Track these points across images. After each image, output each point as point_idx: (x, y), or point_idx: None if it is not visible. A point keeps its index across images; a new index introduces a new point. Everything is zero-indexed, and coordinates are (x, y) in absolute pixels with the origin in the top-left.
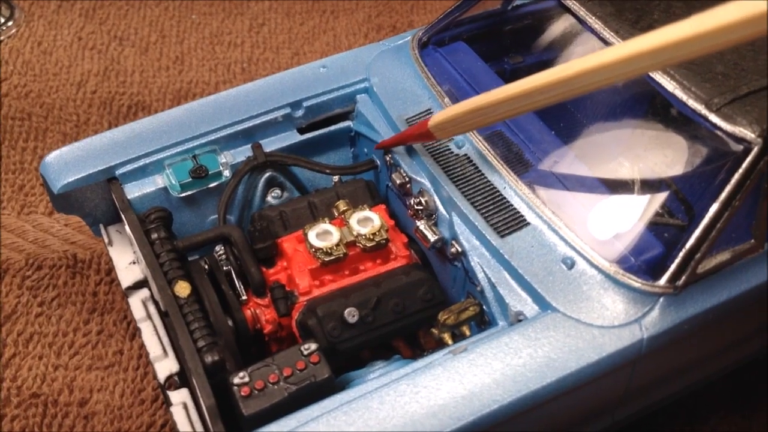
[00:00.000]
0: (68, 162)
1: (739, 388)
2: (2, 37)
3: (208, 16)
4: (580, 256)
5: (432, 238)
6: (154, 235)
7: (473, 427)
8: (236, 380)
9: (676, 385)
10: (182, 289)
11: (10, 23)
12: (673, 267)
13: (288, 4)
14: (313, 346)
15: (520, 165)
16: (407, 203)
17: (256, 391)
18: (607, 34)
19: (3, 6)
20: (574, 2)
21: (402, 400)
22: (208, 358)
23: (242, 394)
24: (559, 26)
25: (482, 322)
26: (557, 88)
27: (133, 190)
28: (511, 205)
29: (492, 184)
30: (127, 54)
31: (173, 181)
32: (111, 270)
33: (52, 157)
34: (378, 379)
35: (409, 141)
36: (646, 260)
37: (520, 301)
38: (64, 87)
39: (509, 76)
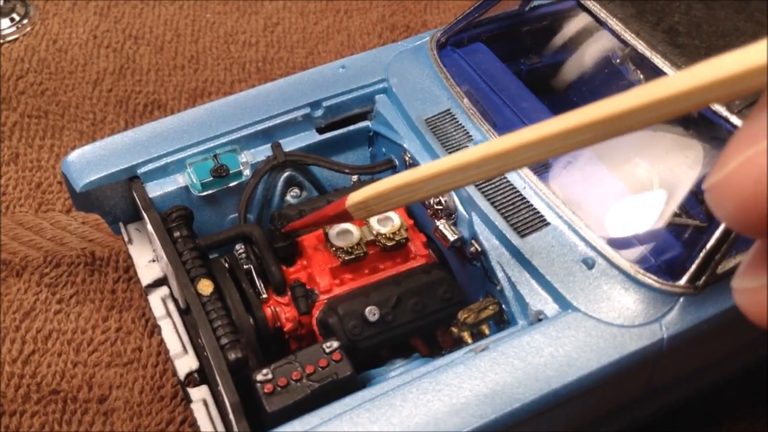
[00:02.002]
0: (90, 161)
1: (757, 390)
2: (18, 35)
3: (222, 15)
4: (600, 256)
5: (451, 237)
6: (177, 234)
7: (496, 425)
8: (259, 377)
9: (696, 385)
10: (205, 287)
11: (25, 21)
12: (693, 267)
13: (302, 3)
14: (335, 344)
15: (539, 165)
16: (426, 203)
17: (279, 388)
18: (627, 36)
19: (18, 4)
20: (594, 3)
21: (425, 398)
22: (232, 356)
23: (265, 391)
24: (578, 27)
25: (501, 321)
26: (493, 162)
27: (155, 189)
28: (531, 205)
29: (512, 184)
30: (142, 52)
31: (194, 180)
32: (129, 267)
33: (74, 155)
34: (399, 377)
35: (322, 222)
36: (666, 260)
37: (540, 300)
38: (80, 85)
39: (526, 77)
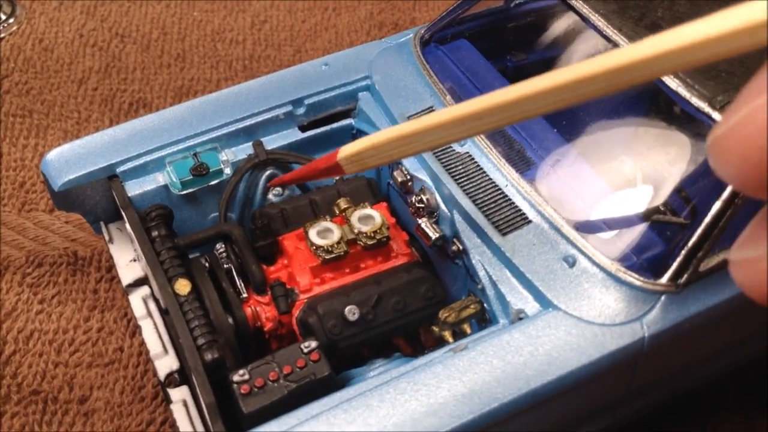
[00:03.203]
0: (69, 159)
1: (741, 389)
2: (3, 34)
3: (209, 13)
4: (581, 254)
5: (433, 235)
6: (155, 233)
7: (474, 425)
8: (236, 378)
9: (678, 384)
10: (182, 286)
11: (11, 20)
12: (675, 265)
13: (290, 1)
14: (314, 344)
15: (521, 163)
16: (408, 201)
17: (256, 389)
18: (610, 31)
19: (4, 3)
20: (577, 0)
21: (402, 398)
22: (208, 356)
23: (242, 391)
24: (561, 24)
25: (483, 320)
26: (495, 114)
27: (134, 188)
28: (513, 203)
29: (494, 182)
30: (128, 51)
31: (174, 179)
32: (111, 267)
33: (53, 154)
34: (378, 377)
35: (313, 176)
36: (647, 258)
37: (521, 299)
38: (65, 84)
39: (512, 74)
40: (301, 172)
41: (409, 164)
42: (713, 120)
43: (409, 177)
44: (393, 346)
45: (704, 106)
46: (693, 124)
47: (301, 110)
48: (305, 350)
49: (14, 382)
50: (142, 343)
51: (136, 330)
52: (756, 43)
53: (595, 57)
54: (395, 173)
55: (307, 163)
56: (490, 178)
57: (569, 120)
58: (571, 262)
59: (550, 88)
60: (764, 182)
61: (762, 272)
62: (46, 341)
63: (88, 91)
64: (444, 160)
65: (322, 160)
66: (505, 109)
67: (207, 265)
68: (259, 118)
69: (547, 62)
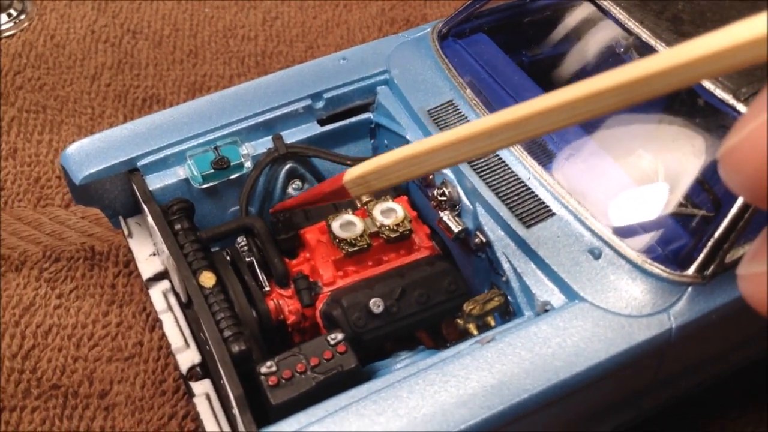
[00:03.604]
0: (90, 153)
1: (764, 381)
2: (15, 31)
3: (221, 9)
4: (606, 246)
5: (456, 228)
6: (178, 226)
7: (503, 416)
8: (263, 370)
9: (703, 375)
10: (207, 279)
11: (22, 16)
12: (701, 257)
13: None
14: (340, 336)
15: (544, 155)
16: (430, 194)
17: (284, 381)
18: (631, 24)
19: (16, 0)
20: None
21: (431, 389)
22: (235, 348)
23: (270, 383)
24: (581, 17)
25: (507, 312)
26: (500, 134)
27: (155, 182)
28: (536, 196)
29: (516, 175)
30: (140, 47)
31: (195, 173)
32: (129, 262)
33: (73, 148)
34: (405, 369)
35: (319, 200)
36: (673, 250)
37: (546, 291)
38: (78, 80)
39: (528, 69)
40: (306, 196)
41: None
42: (738, 112)
43: None
44: (415, 340)
45: (729, 98)
46: (717, 116)
47: (320, 104)
48: (332, 342)
49: (34, 376)
50: (162, 338)
51: (156, 324)
52: None
53: (608, 72)
54: None
55: (311, 187)
56: (513, 171)
57: None
58: (597, 254)
59: (559, 105)
60: None
61: (764, 288)
62: (65, 336)
63: (102, 87)
64: None
65: (327, 183)
66: (511, 128)
67: (229, 258)
68: (279, 112)
69: (564, 56)
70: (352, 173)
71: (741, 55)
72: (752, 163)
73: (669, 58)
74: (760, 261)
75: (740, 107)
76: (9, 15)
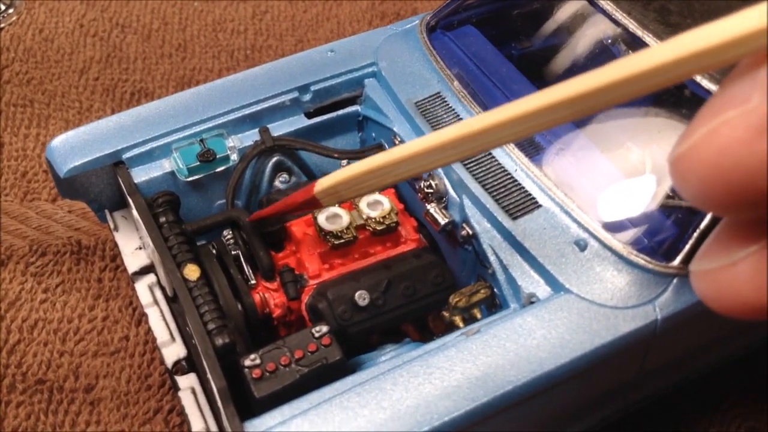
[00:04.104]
0: (74, 146)
1: (753, 372)
2: (3, 24)
3: (210, 2)
4: (592, 238)
5: (442, 221)
6: (162, 219)
7: (488, 407)
8: (247, 362)
9: (689, 368)
10: (191, 272)
11: (10, 10)
12: (687, 248)
13: None
14: (325, 329)
15: (531, 147)
16: (417, 187)
17: (268, 374)
18: (618, 15)
19: None
20: None
21: (416, 381)
22: (219, 341)
23: (254, 376)
24: (569, 8)
25: (493, 305)
26: (469, 142)
27: (140, 175)
28: (523, 188)
29: (503, 167)
30: (129, 41)
31: (181, 165)
32: (116, 256)
33: (58, 141)
34: (390, 361)
35: (291, 209)
36: (659, 241)
37: (532, 283)
38: (66, 74)
39: (517, 61)
40: (278, 206)
41: None
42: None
43: None
44: (401, 333)
45: (715, 89)
46: None
47: (307, 97)
48: (316, 335)
49: (19, 371)
50: (148, 332)
51: (142, 319)
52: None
53: (596, 70)
54: None
55: (284, 197)
56: (499, 163)
57: None
58: (583, 246)
59: (516, 117)
60: (723, 201)
61: (718, 283)
62: (51, 330)
63: (90, 81)
64: None
65: (300, 193)
66: (478, 138)
67: (214, 251)
68: (265, 105)
69: (552, 48)
70: (322, 183)
71: (736, 49)
72: (700, 171)
73: (662, 53)
74: (712, 258)
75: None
76: None
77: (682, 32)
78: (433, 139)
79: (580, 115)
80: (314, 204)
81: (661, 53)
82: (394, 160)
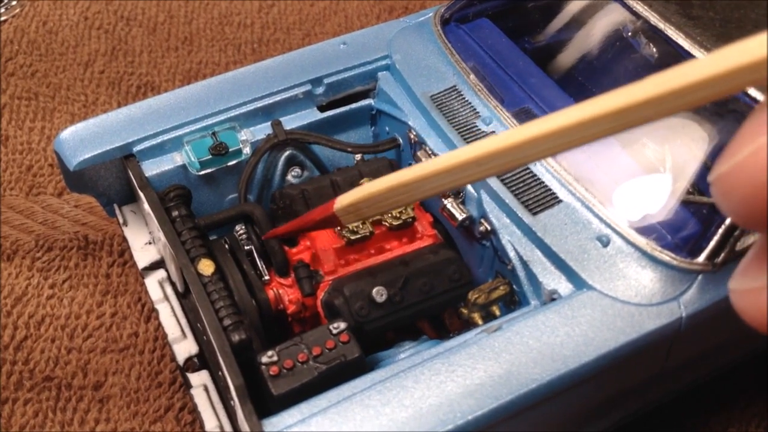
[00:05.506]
0: (84, 138)
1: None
2: (7, 17)
3: None
4: (615, 234)
5: (460, 216)
6: (175, 213)
7: (512, 406)
8: (264, 359)
9: (710, 365)
10: (206, 267)
11: (14, 2)
12: (711, 244)
13: None
14: (343, 325)
15: None
16: None
17: (285, 371)
18: (640, 7)
19: None
20: None
21: (437, 379)
22: (235, 337)
23: (271, 373)
24: (587, 0)
25: (512, 302)
26: (498, 158)
27: (151, 168)
28: (543, 183)
29: None
30: (134, 34)
31: (193, 159)
32: (124, 251)
33: (67, 133)
34: (409, 359)
35: (308, 228)
36: (682, 238)
37: (553, 279)
38: (71, 67)
39: (533, 53)
40: (297, 223)
41: (434, 144)
42: (748, 96)
43: (433, 157)
44: (417, 330)
45: (759, 96)
46: (727, 101)
47: (320, 89)
48: (334, 331)
49: (26, 368)
50: (158, 328)
51: (151, 315)
52: None
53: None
54: (419, 153)
55: (303, 214)
56: None
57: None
58: (605, 242)
59: (552, 132)
60: (765, 219)
61: (761, 303)
62: (58, 326)
63: (95, 74)
64: (470, 140)
65: (318, 211)
66: (511, 153)
67: (227, 246)
68: (278, 98)
69: (570, 42)
70: (342, 201)
71: None
72: (744, 190)
73: (713, 65)
74: (754, 276)
75: (751, 91)
76: (1, 1)
77: (705, 24)
78: (465, 153)
79: (621, 129)
80: (334, 222)
81: (711, 65)
82: (418, 177)
